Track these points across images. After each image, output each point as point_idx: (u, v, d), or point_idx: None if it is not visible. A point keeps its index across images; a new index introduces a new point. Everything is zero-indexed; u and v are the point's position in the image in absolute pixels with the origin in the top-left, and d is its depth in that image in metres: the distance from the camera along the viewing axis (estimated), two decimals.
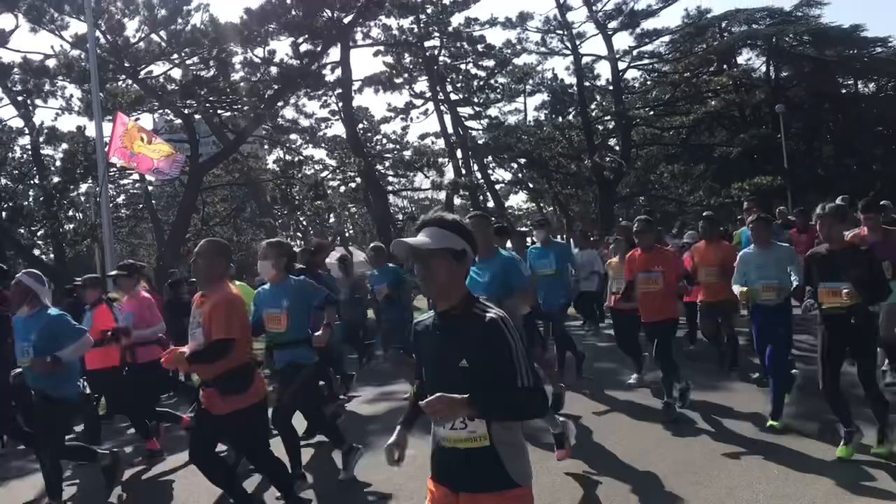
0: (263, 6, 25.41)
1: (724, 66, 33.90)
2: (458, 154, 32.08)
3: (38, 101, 25.96)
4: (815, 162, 34.49)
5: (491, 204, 33.02)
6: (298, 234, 36.42)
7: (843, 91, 35.92)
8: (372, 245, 10.00)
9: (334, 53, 27.82)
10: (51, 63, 24.22)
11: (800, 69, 34.73)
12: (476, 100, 32.68)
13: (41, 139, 26.99)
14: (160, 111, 28.05)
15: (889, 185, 34.88)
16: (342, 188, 31.49)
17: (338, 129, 30.90)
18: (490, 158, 33.03)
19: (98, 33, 21.15)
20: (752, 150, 31.89)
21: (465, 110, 32.77)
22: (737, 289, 6.99)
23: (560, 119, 34.06)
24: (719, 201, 28.50)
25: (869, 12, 72.20)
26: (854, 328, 5.43)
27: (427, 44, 30.61)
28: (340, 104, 29.29)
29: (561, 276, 8.99)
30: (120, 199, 35.40)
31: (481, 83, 32.17)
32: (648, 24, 31.21)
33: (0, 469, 7.89)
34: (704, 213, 11.78)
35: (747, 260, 6.99)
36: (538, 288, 8.30)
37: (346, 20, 26.95)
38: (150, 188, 32.01)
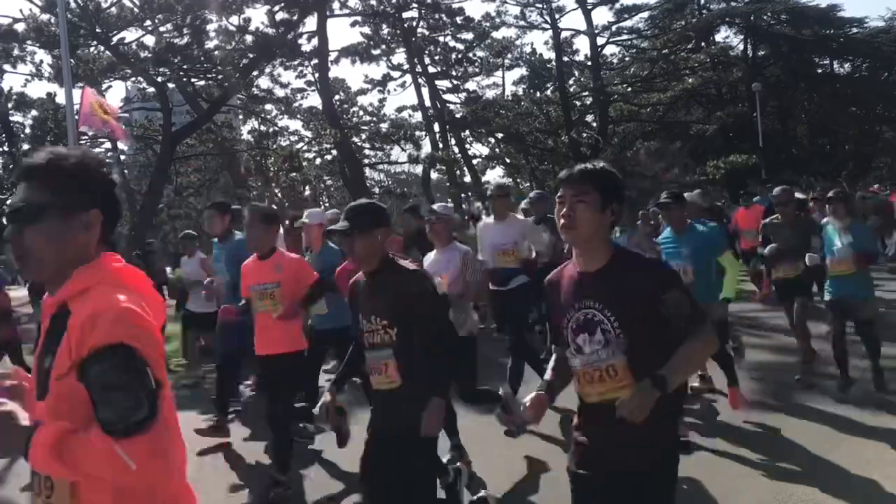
0: None
1: (703, 44, 33.96)
2: (436, 127, 31.91)
3: (7, 67, 25.41)
4: (790, 141, 34.77)
5: (468, 178, 32.94)
6: (273, 206, 36.04)
7: (819, 71, 36.19)
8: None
9: (311, 23, 27.44)
10: (20, 27, 23.69)
11: (777, 48, 34.88)
12: (454, 73, 32.45)
13: (10, 105, 26.42)
14: (133, 79, 27.56)
15: (861, 165, 35.40)
16: (318, 160, 31.23)
17: (314, 100, 30.62)
18: (467, 133, 32.92)
19: None
20: (727, 129, 32.08)
21: (442, 83, 32.56)
22: None
23: (538, 94, 33.99)
24: (694, 179, 28.67)
25: None
26: None
27: (405, 15, 30.30)
28: (316, 75, 28.94)
29: None
30: None
31: (459, 56, 31.94)
32: (628, 0, 31.19)
33: None
34: None
35: None
36: None
37: None
38: (122, 157, 31.54)
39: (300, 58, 28.53)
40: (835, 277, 6.70)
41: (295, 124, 31.40)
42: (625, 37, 33.50)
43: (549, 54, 32.43)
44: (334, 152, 28.86)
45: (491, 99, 32.74)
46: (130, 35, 24.71)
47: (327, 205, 36.89)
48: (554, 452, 5.56)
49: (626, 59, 35.10)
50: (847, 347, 6.68)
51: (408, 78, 31.91)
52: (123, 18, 23.98)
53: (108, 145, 30.64)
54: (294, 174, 28.38)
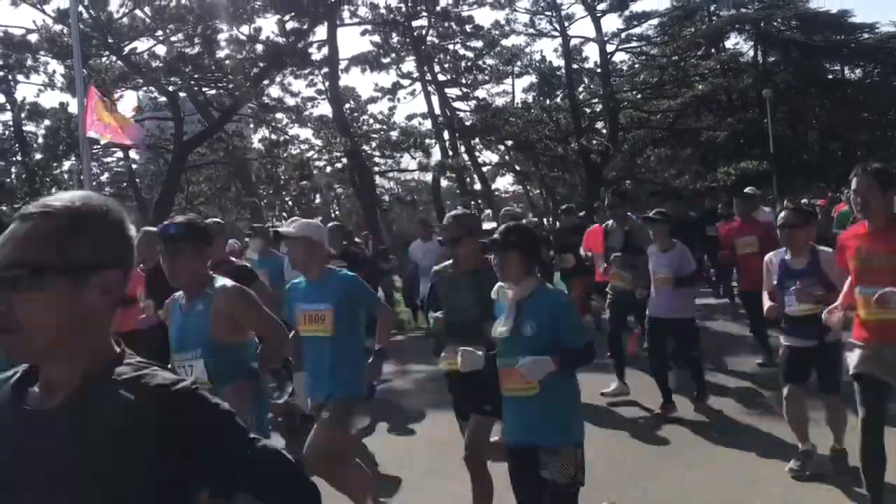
0: None
1: (712, 50, 33.92)
2: (445, 135, 31.94)
3: (20, 77, 25.63)
4: (801, 147, 34.66)
5: (478, 186, 32.94)
6: (283, 214, 36.33)
7: (830, 77, 36.12)
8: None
9: (321, 32, 27.52)
10: (32, 38, 23.87)
11: (787, 54, 34.84)
12: (464, 81, 32.49)
13: (23, 115, 26.63)
14: (144, 88, 27.75)
15: None
16: (328, 168, 31.31)
17: (324, 108, 30.64)
18: (477, 140, 32.93)
19: (81, 8, 20.79)
20: (738, 135, 32.00)
21: (452, 91, 32.57)
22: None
23: (548, 101, 33.95)
24: (705, 185, 28.59)
25: None
26: None
27: (415, 23, 30.35)
28: (327, 83, 29.03)
29: None
30: (104, 178, 35.12)
31: (469, 64, 31.98)
32: (637, 7, 31.39)
33: None
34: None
35: None
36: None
37: None
38: (133, 166, 31.72)
39: (310, 67, 28.64)
40: (512, 399, 3.58)
41: (305, 133, 31.53)
42: (634, 44, 33.44)
43: (559, 62, 32.41)
44: (345, 160, 28.91)
45: (500, 106, 32.72)
46: (142, 45, 24.92)
47: (337, 213, 37.06)
48: None
49: (636, 66, 35.05)
50: None
51: (417, 86, 31.99)
52: (135, 29, 24.16)
53: (119, 154, 30.89)
54: (305, 182, 28.48)
